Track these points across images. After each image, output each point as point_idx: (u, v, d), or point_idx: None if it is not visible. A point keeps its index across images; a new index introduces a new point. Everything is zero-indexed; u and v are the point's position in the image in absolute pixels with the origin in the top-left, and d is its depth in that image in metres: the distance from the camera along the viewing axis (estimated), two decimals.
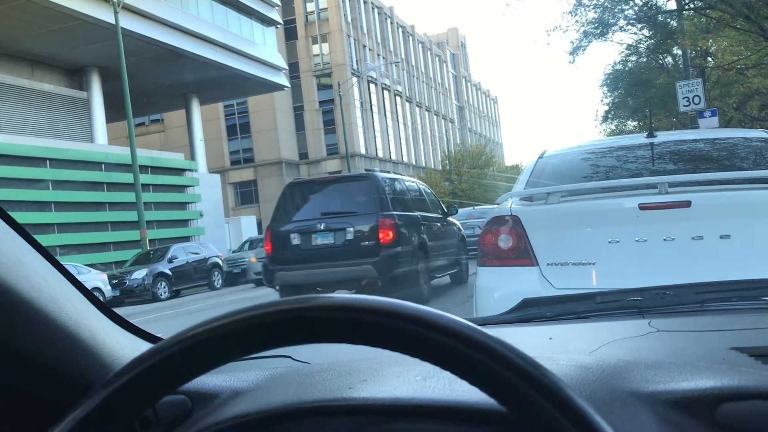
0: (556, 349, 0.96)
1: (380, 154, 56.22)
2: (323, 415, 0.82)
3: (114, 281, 18.31)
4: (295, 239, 9.81)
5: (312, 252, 9.65)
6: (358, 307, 0.55)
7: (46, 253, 0.87)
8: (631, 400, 0.75)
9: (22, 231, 0.83)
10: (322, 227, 9.65)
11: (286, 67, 38.74)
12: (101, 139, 27.02)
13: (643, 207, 3.02)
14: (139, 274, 18.74)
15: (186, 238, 27.44)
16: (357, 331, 0.55)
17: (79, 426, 0.58)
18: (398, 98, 61.70)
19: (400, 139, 61.22)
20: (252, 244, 25.02)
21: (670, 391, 0.75)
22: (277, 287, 9.96)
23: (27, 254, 0.82)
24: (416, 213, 10.43)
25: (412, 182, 11.69)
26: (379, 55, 58.61)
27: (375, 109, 56.11)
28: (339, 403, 0.82)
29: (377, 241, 9.31)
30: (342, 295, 0.56)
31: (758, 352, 0.83)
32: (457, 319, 0.55)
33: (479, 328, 0.54)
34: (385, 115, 58.25)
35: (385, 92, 58.90)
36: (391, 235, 9.33)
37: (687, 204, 2.97)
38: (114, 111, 27.02)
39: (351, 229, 9.47)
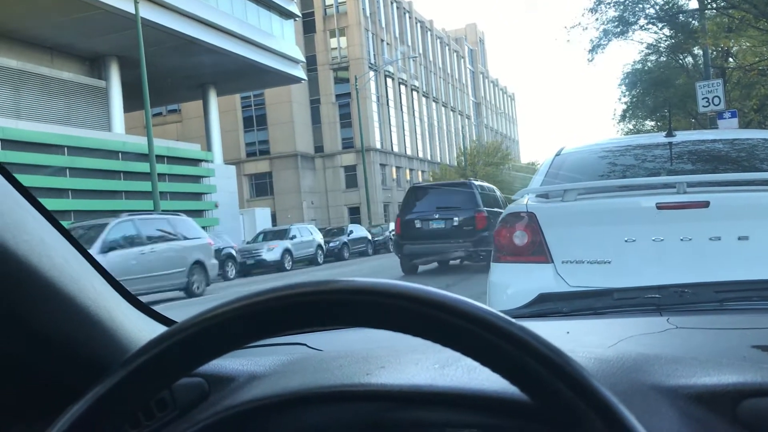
0: (574, 343, 0.95)
1: (395, 148, 56.19)
2: (341, 401, 0.82)
3: None
4: (417, 224, 14.46)
5: (429, 232, 14.31)
6: (380, 291, 0.54)
7: (67, 233, 0.87)
8: (652, 393, 0.74)
9: (45, 212, 0.84)
10: (437, 216, 14.35)
11: (304, 60, 38.76)
12: (119, 128, 27.17)
13: (660, 206, 3.00)
14: None
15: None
16: (378, 315, 0.55)
17: (98, 404, 0.58)
18: (415, 93, 61.60)
19: (415, 134, 61.13)
20: (266, 235, 25.13)
21: (692, 385, 0.74)
22: (399, 255, 15.09)
23: (49, 234, 0.83)
24: (494, 209, 14.39)
25: (491, 187, 16.35)
26: (396, 49, 58.51)
27: (391, 103, 56.06)
28: (357, 388, 0.81)
29: (474, 227, 13.90)
30: (364, 279, 0.56)
31: None
32: (480, 305, 0.54)
33: (502, 314, 0.54)
34: (402, 110, 58.18)
35: (402, 87, 58.81)
36: (484, 223, 13.76)
37: (705, 204, 2.94)
38: (132, 100, 27.14)
39: (456, 218, 14.12)
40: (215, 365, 0.96)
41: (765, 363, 0.79)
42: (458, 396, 0.76)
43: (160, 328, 1.02)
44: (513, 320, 0.54)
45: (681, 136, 3.81)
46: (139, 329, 0.94)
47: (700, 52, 20.22)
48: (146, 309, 1.03)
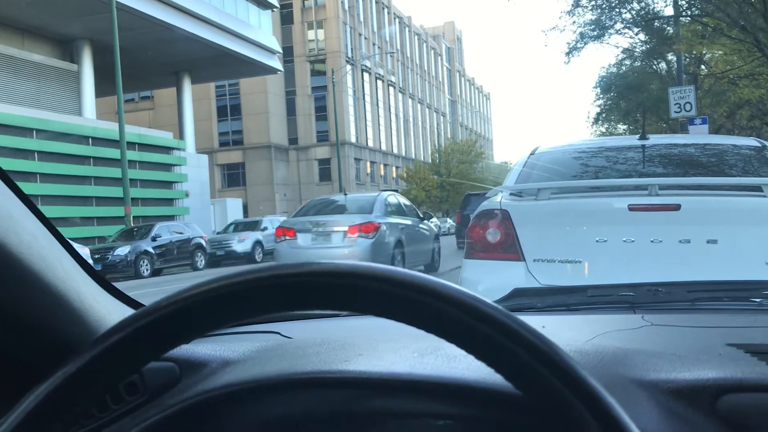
0: (551, 338, 0.95)
1: (371, 143, 56.12)
2: (317, 388, 0.80)
3: (96, 256, 18.15)
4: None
5: None
6: (361, 274, 0.53)
7: (37, 211, 0.84)
8: (632, 387, 0.74)
9: (14, 186, 0.81)
10: None
11: (280, 51, 38.50)
12: (90, 113, 26.73)
13: (632, 208, 3.03)
14: (122, 250, 18.61)
15: (171, 217, 27.24)
16: (359, 299, 0.53)
17: (64, 385, 0.56)
18: (391, 89, 61.57)
19: (391, 129, 61.13)
20: (237, 226, 24.92)
21: (672, 380, 0.75)
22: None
23: (17, 209, 0.80)
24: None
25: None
26: (374, 44, 58.40)
27: (367, 98, 55.96)
28: (334, 375, 0.80)
29: None
30: (344, 262, 0.55)
31: (755, 349, 0.83)
32: (468, 292, 0.53)
33: (489, 300, 0.53)
34: (378, 105, 58.11)
35: (379, 82, 58.73)
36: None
37: (676, 207, 2.97)
38: (104, 85, 26.71)
39: None
40: (187, 350, 0.94)
41: (742, 360, 0.80)
42: (438, 385, 0.75)
43: (130, 311, 1.00)
44: (500, 307, 0.52)
45: (654, 139, 3.85)
46: (109, 312, 0.92)
47: (674, 58, 20.52)
48: (116, 292, 1.00)
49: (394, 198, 12.63)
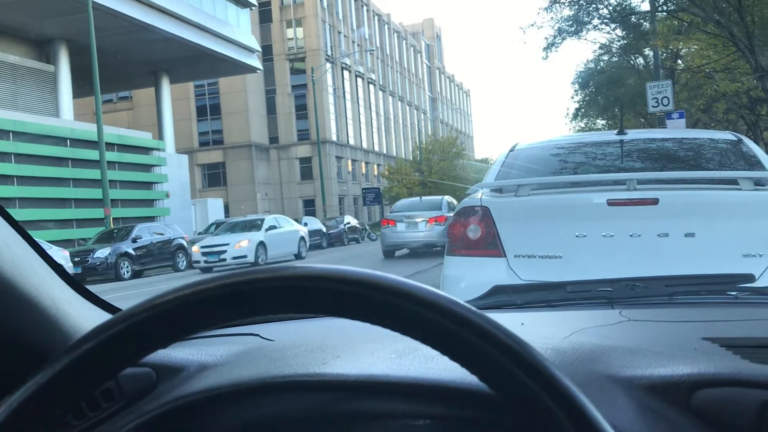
0: (529, 335, 0.96)
1: (351, 141, 56.05)
2: (295, 391, 0.80)
3: (76, 258, 17.97)
4: None
5: None
6: (336, 278, 0.53)
7: (9, 216, 0.83)
8: (608, 384, 0.75)
9: None
10: None
11: (260, 50, 38.33)
12: (67, 114, 26.44)
13: (611, 203, 3.05)
14: (102, 252, 18.41)
15: (151, 218, 27.05)
16: (334, 302, 0.53)
17: (39, 393, 0.56)
18: (372, 86, 61.52)
19: (372, 127, 61.09)
20: (218, 226, 24.72)
21: (647, 376, 0.75)
22: None
23: None
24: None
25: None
26: (353, 42, 58.31)
27: (348, 96, 55.87)
28: (312, 378, 0.80)
29: None
30: (321, 266, 0.54)
31: (729, 343, 0.84)
32: (441, 293, 0.53)
33: (462, 302, 0.53)
34: (358, 103, 58.05)
35: (359, 80, 58.66)
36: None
37: (654, 201, 3.00)
38: (81, 86, 26.43)
39: None
40: (164, 355, 0.93)
41: (716, 355, 0.81)
42: (415, 386, 0.75)
43: (106, 316, 0.99)
44: (473, 308, 0.52)
45: (632, 134, 3.88)
46: (85, 318, 0.91)
47: (651, 53, 20.70)
48: (93, 297, 0.99)
49: (450, 198, 18.33)
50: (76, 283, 0.95)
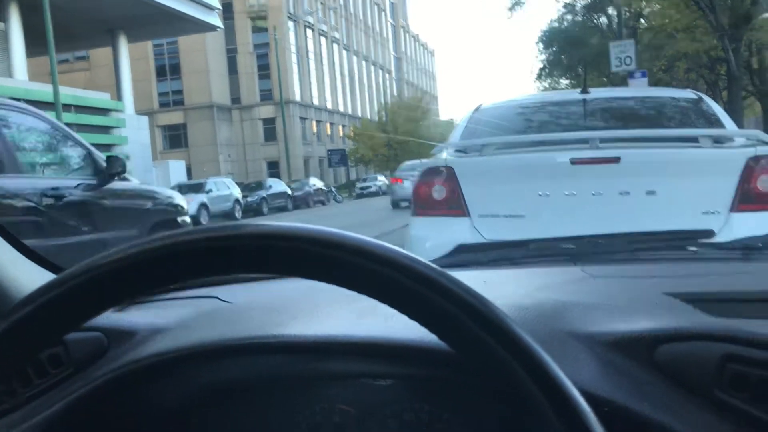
0: (492, 293, 0.95)
1: (316, 102, 55.47)
2: (251, 353, 0.78)
3: None
4: None
5: None
6: (292, 236, 0.50)
7: None
8: (570, 340, 0.74)
9: None
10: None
11: (220, 8, 37.37)
12: (21, 74, 25.60)
13: (574, 161, 3.07)
14: None
15: None
16: (292, 262, 0.51)
17: None
18: (335, 45, 60.71)
19: (336, 87, 60.47)
20: (181, 189, 24.44)
21: (610, 332, 0.75)
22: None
23: None
24: None
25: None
26: (317, 0, 57.29)
27: (311, 55, 55.07)
28: (268, 340, 0.77)
29: None
30: (276, 223, 0.52)
31: (690, 297, 0.84)
32: (400, 250, 0.51)
33: (424, 260, 0.51)
34: (322, 62, 57.30)
35: (322, 39, 57.81)
36: None
37: (616, 160, 3.02)
38: (35, 45, 25.54)
39: None
40: (115, 318, 0.90)
41: (678, 309, 0.81)
42: (374, 346, 0.74)
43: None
44: (435, 266, 0.51)
45: (595, 93, 3.89)
46: (31, 280, 0.87)
47: (614, 12, 20.76)
48: (40, 258, 0.95)
49: None
50: (20, 242, 0.91)
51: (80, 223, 5.36)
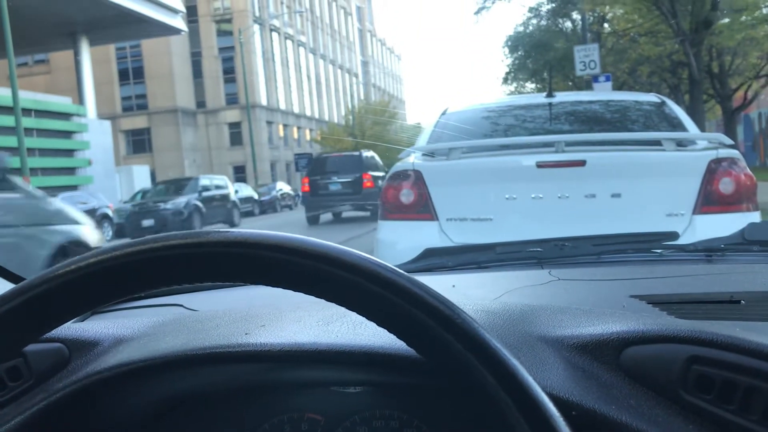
0: (460, 297, 0.95)
1: (282, 106, 55.17)
2: (216, 363, 0.76)
3: None
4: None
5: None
6: (256, 243, 0.50)
7: None
8: (538, 344, 0.74)
9: None
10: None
11: (184, 11, 37.02)
12: None
13: (540, 165, 3.09)
14: None
15: (73, 187, 26.07)
16: (256, 269, 0.50)
17: None
18: (302, 49, 60.49)
19: (303, 91, 60.22)
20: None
21: (577, 335, 0.75)
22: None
23: None
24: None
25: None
26: (282, 3, 57.02)
27: (277, 59, 54.79)
28: (234, 349, 0.76)
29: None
30: (240, 230, 0.51)
31: (656, 300, 0.85)
32: (366, 256, 0.50)
33: (389, 265, 0.50)
34: (288, 66, 57.03)
35: (288, 42, 57.57)
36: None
37: (582, 163, 3.06)
38: None
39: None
40: (77, 329, 0.88)
41: (644, 312, 0.81)
42: (343, 353, 0.73)
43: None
44: (401, 271, 0.50)
45: (560, 96, 3.93)
46: None
47: (579, 17, 21.05)
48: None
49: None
50: None
51: None
